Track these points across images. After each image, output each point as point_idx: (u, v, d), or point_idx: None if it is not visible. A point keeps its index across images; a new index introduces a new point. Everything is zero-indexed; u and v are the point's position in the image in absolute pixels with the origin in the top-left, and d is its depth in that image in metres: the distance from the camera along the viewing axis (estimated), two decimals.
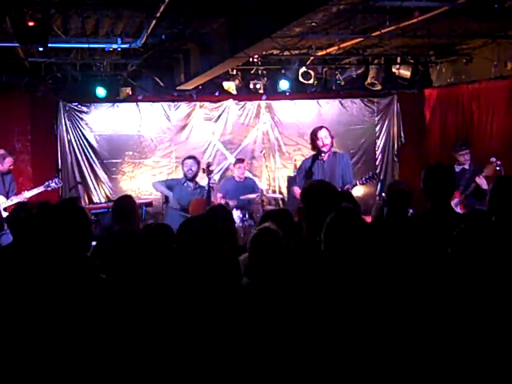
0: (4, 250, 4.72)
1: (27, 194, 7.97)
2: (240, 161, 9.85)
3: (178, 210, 8.14)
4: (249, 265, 3.27)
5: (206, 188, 8.14)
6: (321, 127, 7.17)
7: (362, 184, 7.22)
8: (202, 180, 8.63)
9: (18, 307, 2.00)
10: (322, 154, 7.00)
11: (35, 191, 8.07)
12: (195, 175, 8.35)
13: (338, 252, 2.82)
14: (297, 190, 7.11)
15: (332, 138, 7.10)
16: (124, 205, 5.55)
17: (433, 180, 4.13)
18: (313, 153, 7.32)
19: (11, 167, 8.21)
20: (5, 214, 7.71)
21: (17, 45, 7.02)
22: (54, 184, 8.22)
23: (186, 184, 8.30)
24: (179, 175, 8.97)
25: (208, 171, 8.17)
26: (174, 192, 8.31)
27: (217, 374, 2.79)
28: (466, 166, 7.96)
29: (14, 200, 7.89)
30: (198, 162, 8.44)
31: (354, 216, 2.93)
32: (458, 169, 7.96)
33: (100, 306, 3.09)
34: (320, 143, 7.03)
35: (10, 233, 4.68)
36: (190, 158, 8.54)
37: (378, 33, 7.41)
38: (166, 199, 8.73)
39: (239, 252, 4.16)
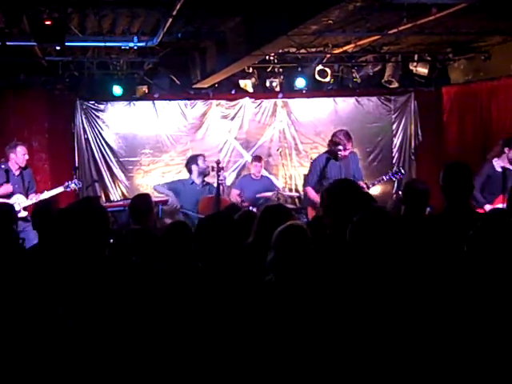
0: (31, 251, 4.74)
1: (46, 194, 7.97)
2: (257, 159, 9.77)
3: (180, 209, 7.90)
4: (274, 261, 3.24)
5: (215, 185, 7.97)
6: (348, 135, 7.09)
7: (389, 179, 7.14)
8: (210, 177, 8.51)
9: (41, 305, 2.03)
10: (339, 157, 6.98)
11: (54, 191, 8.08)
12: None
13: (367, 251, 2.83)
14: (310, 191, 7.08)
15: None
16: (141, 203, 5.56)
17: (451, 178, 4.10)
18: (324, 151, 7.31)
19: (27, 157, 8.08)
20: (24, 214, 7.72)
21: (34, 44, 7.09)
22: (73, 185, 8.24)
23: (193, 183, 8.14)
24: (186, 175, 8.76)
25: (218, 168, 8.00)
26: (181, 194, 8.12)
27: (238, 370, 2.79)
28: None
29: (33, 200, 7.87)
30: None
31: (386, 216, 2.96)
32: (500, 168, 7.25)
33: (118, 303, 3.10)
34: (342, 148, 6.99)
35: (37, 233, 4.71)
36: (202, 155, 8.44)
37: (394, 30, 7.37)
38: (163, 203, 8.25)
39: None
